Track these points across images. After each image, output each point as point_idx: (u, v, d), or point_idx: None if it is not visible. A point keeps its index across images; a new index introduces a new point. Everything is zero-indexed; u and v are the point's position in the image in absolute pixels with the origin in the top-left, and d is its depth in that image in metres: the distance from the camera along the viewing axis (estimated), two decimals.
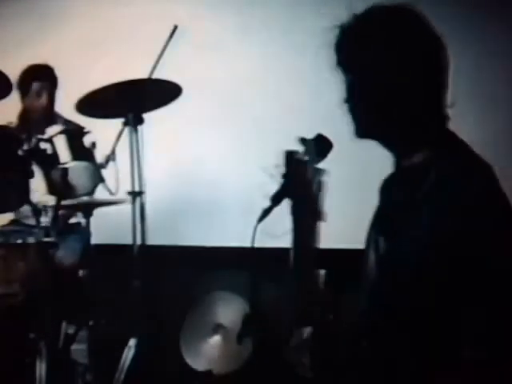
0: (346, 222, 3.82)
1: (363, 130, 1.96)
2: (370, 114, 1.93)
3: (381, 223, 2.00)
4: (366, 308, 1.92)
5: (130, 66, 4.32)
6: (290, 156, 1.89)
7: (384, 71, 1.88)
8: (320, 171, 1.89)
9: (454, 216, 1.72)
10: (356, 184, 4.47)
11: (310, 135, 1.95)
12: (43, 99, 4.50)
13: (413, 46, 1.88)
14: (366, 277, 1.97)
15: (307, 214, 1.87)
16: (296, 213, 1.88)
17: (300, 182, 1.88)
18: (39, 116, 4.47)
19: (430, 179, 1.79)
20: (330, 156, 1.96)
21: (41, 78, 4.50)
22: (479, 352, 1.70)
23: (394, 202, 1.96)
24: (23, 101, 4.54)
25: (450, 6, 4.44)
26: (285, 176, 1.90)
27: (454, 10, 4.48)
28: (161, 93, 3.93)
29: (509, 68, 4.48)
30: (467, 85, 4.28)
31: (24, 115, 4.55)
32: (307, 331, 1.87)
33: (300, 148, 1.91)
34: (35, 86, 4.49)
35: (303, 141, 1.91)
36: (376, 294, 1.89)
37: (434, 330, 1.72)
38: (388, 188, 2.03)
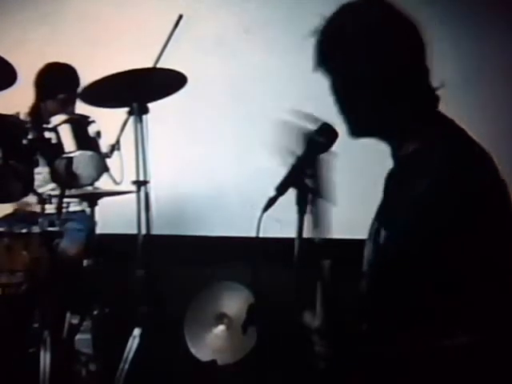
0: (351, 212, 3.81)
1: (357, 130, 1.98)
2: (360, 112, 1.94)
3: (382, 213, 2.01)
4: (366, 294, 1.93)
5: (135, 57, 4.31)
6: (302, 134, 1.89)
7: (366, 65, 1.89)
8: (330, 152, 1.89)
9: (453, 202, 1.72)
10: (359, 174, 4.47)
11: (312, 128, 1.95)
12: (70, 104, 4.49)
13: (390, 35, 1.90)
14: (366, 265, 1.99)
15: (315, 199, 1.86)
16: (301, 201, 1.87)
17: (310, 161, 1.88)
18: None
19: (428, 166, 1.79)
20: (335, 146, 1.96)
21: (66, 86, 4.48)
22: (475, 334, 1.69)
23: (394, 192, 1.97)
24: (40, 101, 4.52)
25: (450, 6, 4.45)
26: (295, 155, 1.89)
27: (454, 9, 4.48)
28: (166, 82, 3.92)
29: (509, 68, 4.49)
30: (467, 84, 4.29)
31: (36, 109, 4.52)
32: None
33: (311, 127, 1.90)
34: (61, 96, 4.48)
35: (315, 120, 1.91)
36: (375, 283, 1.91)
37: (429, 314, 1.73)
38: (389, 178, 2.04)
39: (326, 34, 1.95)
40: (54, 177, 3.74)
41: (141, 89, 3.82)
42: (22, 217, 4.34)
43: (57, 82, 4.51)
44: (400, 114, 1.91)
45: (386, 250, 1.88)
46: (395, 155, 1.98)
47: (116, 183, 3.91)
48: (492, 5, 4.49)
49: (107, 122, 3.89)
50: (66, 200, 3.86)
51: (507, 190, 1.81)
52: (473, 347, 1.69)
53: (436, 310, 1.72)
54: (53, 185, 4.04)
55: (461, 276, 1.70)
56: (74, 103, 4.51)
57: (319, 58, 1.96)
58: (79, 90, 4.42)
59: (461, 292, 1.70)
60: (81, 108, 4.20)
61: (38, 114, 4.46)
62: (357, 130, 1.97)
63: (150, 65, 3.85)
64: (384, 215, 1.99)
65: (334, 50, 1.93)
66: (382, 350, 1.78)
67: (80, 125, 3.83)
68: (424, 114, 1.92)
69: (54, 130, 3.73)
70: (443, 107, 1.96)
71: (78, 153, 3.71)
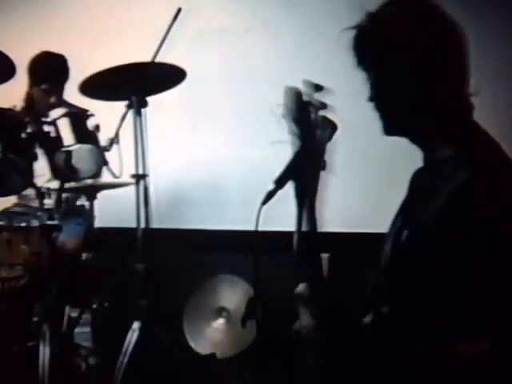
0: (351, 207, 3.82)
1: (392, 128, 1.97)
2: (397, 111, 1.94)
3: (406, 213, 2.00)
4: (382, 292, 1.93)
5: (134, 50, 4.30)
6: (296, 96, 1.88)
7: (407, 66, 1.88)
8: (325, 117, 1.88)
9: (478, 212, 1.72)
10: (360, 169, 4.47)
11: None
12: (52, 97, 4.48)
13: (432, 37, 1.89)
14: (385, 262, 1.97)
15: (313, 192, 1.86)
16: (300, 194, 1.87)
17: (309, 154, 1.87)
18: (45, 105, 4.45)
19: (457, 173, 1.79)
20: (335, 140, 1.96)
21: (53, 74, 4.48)
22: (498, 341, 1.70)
23: (422, 194, 1.95)
24: (31, 89, 4.53)
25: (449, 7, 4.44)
26: (289, 117, 1.88)
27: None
28: (165, 76, 3.91)
29: (509, 67, 4.49)
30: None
31: (29, 99, 4.54)
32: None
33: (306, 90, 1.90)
34: (45, 86, 4.47)
35: (310, 84, 1.90)
36: (392, 282, 1.89)
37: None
38: (418, 180, 2.03)
39: (367, 30, 1.93)
40: (53, 170, 3.74)
41: (140, 82, 3.81)
42: (22, 210, 4.34)
43: (43, 70, 4.50)
44: (436, 118, 1.91)
45: (407, 249, 1.87)
46: (427, 158, 1.97)
47: (115, 177, 3.91)
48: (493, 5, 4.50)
49: (106, 115, 3.89)
50: (65, 195, 3.86)
51: None
52: (493, 356, 1.69)
53: (454, 315, 1.71)
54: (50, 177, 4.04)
55: (483, 282, 1.70)
56: (60, 93, 4.50)
57: (359, 53, 1.95)
58: (66, 79, 4.44)
59: (482, 298, 1.70)
60: (80, 101, 4.20)
61: (32, 104, 4.46)
62: (391, 129, 1.97)
63: (149, 58, 3.85)
64: (409, 215, 1.97)
65: (375, 46, 1.92)
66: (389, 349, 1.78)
67: (79, 118, 3.82)
68: (460, 121, 1.92)
69: (53, 123, 3.73)
70: None
71: (76, 146, 3.71)
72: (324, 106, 1.88)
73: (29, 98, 4.54)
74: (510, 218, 1.73)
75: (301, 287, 1.87)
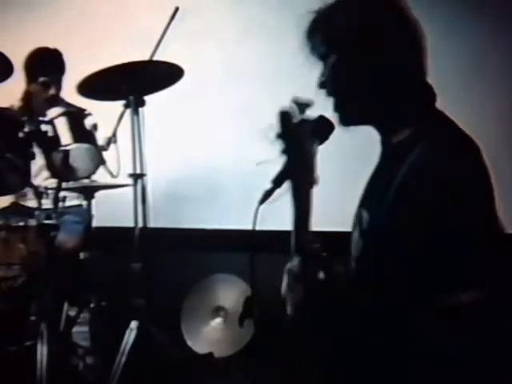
0: (346, 205, 3.81)
1: (349, 119, 1.98)
2: (353, 101, 1.95)
3: (365, 198, 2.02)
4: (354, 279, 1.95)
5: (132, 49, 4.31)
6: (285, 116, 1.88)
7: (364, 51, 1.89)
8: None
9: (437, 188, 1.72)
10: (353, 167, 4.47)
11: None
12: (51, 90, 4.48)
13: (389, 26, 1.91)
14: (354, 251, 2.00)
15: (303, 180, 1.86)
16: (297, 193, 1.88)
17: (295, 141, 1.88)
18: (43, 102, 4.45)
19: (415, 151, 1.80)
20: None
21: (50, 68, 4.47)
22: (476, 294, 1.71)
23: (377, 177, 1.99)
24: (28, 86, 4.53)
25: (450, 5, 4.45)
26: (280, 136, 1.89)
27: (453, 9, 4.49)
28: (162, 75, 3.91)
29: (509, 67, 4.49)
30: (467, 84, 4.29)
31: (27, 97, 4.53)
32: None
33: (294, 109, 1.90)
34: (43, 78, 4.47)
35: (296, 103, 1.91)
36: (362, 267, 1.92)
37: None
38: (376, 166, 2.05)
39: (323, 22, 1.95)
40: (51, 170, 3.74)
41: (137, 81, 3.81)
42: (19, 210, 4.34)
43: (38, 65, 4.49)
44: (396, 104, 1.92)
45: (368, 233, 1.90)
46: (386, 142, 1.99)
47: (113, 176, 3.91)
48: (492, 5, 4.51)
49: (104, 114, 3.89)
50: (62, 193, 3.86)
51: (490, 182, 1.81)
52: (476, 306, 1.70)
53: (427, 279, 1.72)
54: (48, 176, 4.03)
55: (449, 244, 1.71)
56: (58, 85, 4.50)
57: (314, 45, 1.97)
58: (63, 72, 4.43)
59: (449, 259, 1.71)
60: (77, 101, 4.19)
61: (30, 102, 4.45)
62: (349, 119, 1.98)
63: (146, 57, 3.85)
64: (366, 199, 2.00)
65: (331, 38, 1.94)
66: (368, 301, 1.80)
67: (76, 118, 3.82)
68: (418, 108, 1.92)
69: (51, 122, 3.72)
70: (441, 106, 1.97)
71: (74, 146, 3.70)
72: (313, 122, 1.89)
73: (27, 95, 4.54)
74: (463, 191, 1.73)
75: (292, 262, 1.88)
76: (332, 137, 1.92)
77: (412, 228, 1.73)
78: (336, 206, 3.95)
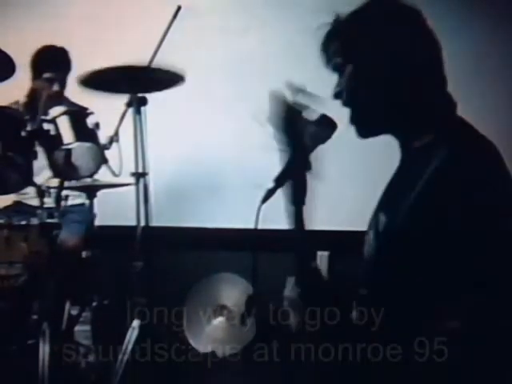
0: (353, 205, 3.82)
1: (368, 131, 1.98)
2: (371, 114, 1.94)
3: (384, 201, 2.01)
4: (366, 280, 1.93)
5: (134, 48, 4.30)
6: (281, 101, 1.88)
7: (381, 62, 1.88)
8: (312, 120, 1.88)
9: (463, 190, 1.71)
10: (362, 167, 4.47)
11: (312, 115, 1.94)
12: (54, 86, 4.48)
13: (407, 35, 1.90)
14: (367, 253, 1.99)
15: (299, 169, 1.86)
16: (299, 192, 1.88)
17: (309, 152, 1.88)
18: (47, 98, 4.44)
19: (440, 156, 1.78)
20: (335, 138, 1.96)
21: (55, 65, 4.48)
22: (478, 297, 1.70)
23: (396, 181, 1.98)
24: (33, 82, 4.53)
25: (449, 6, 4.45)
26: (275, 123, 1.88)
27: (453, 9, 4.49)
28: (164, 78, 3.90)
29: (509, 67, 4.49)
30: (467, 84, 4.28)
31: (31, 95, 4.53)
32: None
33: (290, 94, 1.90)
34: (48, 74, 4.47)
35: (293, 88, 1.90)
36: (375, 268, 1.90)
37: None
38: (396, 170, 2.03)
39: (338, 33, 1.94)
40: (53, 168, 3.74)
41: (139, 81, 3.81)
42: (21, 208, 4.34)
43: (43, 62, 4.49)
44: (418, 114, 1.90)
45: (385, 236, 1.88)
46: (407, 147, 1.97)
47: (115, 175, 3.91)
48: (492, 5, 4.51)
49: (106, 113, 3.89)
50: (64, 193, 3.86)
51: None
52: (464, 333, 1.69)
53: (431, 295, 1.72)
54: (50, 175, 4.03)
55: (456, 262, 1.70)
56: (63, 82, 4.50)
57: (329, 56, 1.96)
58: (69, 70, 4.44)
59: (453, 278, 1.70)
60: (80, 99, 4.19)
61: (35, 99, 4.44)
62: (367, 132, 1.97)
63: (149, 56, 3.84)
64: (385, 203, 1.99)
65: (347, 48, 1.93)
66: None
67: (79, 116, 3.82)
68: (442, 113, 1.92)
69: (53, 121, 3.72)
70: None
71: (76, 144, 3.70)
72: (307, 107, 1.88)
73: (31, 92, 4.54)
74: (484, 201, 1.72)
75: (289, 288, 1.88)
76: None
77: (435, 230, 1.71)
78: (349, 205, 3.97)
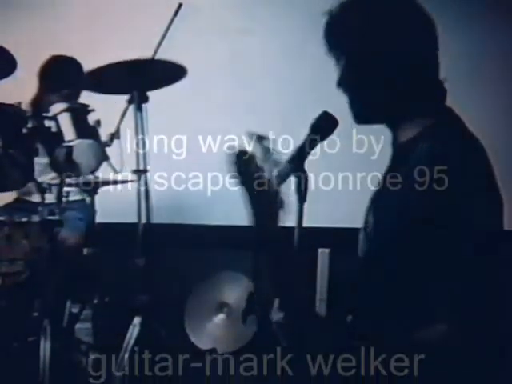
0: (354, 202, 3.81)
1: (364, 116, 1.98)
2: (368, 98, 1.94)
3: (372, 202, 2.01)
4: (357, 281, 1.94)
5: (135, 46, 4.30)
6: (240, 155, 1.89)
7: (375, 51, 1.89)
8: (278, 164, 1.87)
9: (443, 184, 1.70)
10: (360, 164, 4.47)
11: (311, 114, 1.94)
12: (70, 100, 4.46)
13: (405, 23, 1.90)
14: (360, 253, 2.00)
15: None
16: (301, 189, 1.88)
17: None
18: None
19: (422, 148, 1.79)
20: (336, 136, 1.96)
21: (71, 81, 4.44)
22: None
23: (384, 180, 1.97)
24: (46, 94, 4.47)
25: (449, 5, 4.45)
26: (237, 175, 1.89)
27: (453, 9, 4.49)
28: (166, 73, 3.90)
29: (509, 66, 4.49)
30: (466, 83, 4.29)
31: (38, 100, 4.49)
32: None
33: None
34: (66, 91, 4.43)
35: (258, 138, 1.90)
36: (364, 269, 1.91)
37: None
38: (385, 170, 2.03)
39: (339, 18, 1.94)
40: (54, 165, 3.74)
41: (141, 77, 3.81)
42: (22, 206, 4.34)
43: (62, 77, 4.46)
44: (407, 104, 1.91)
45: (372, 236, 1.89)
46: (393, 145, 1.98)
47: (116, 172, 3.91)
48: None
49: (107, 110, 3.88)
50: (65, 189, 3.86)
51: (496, 183, 1.80)
52: (450, 337, 1.68)
53: (416, 299, 1.71)
54: (53, 174, 4.03)
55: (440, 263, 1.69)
56: (77, 97, 4.49)
57: (331, 42, 1.95)
58: (84, 88, 4.41)
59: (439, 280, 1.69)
60: (81, 96, 4.19)
61: (40, 105, 4.43)
62: (363, 117, 1.97)
63: (150, 53, 3.84)
64: (372, 202, 1.99)
65: (347, 35, 1.93)
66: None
67: (80, 113, 3.82)
68: (428, 106, 1.91)
69: (54, 118, 3.72)
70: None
71: (77, 141, 3.70)
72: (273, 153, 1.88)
73: (37, 101, 4.48)
74: (468, 198, 1.72)
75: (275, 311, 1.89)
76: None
77: (411, 228, 1.71)
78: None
